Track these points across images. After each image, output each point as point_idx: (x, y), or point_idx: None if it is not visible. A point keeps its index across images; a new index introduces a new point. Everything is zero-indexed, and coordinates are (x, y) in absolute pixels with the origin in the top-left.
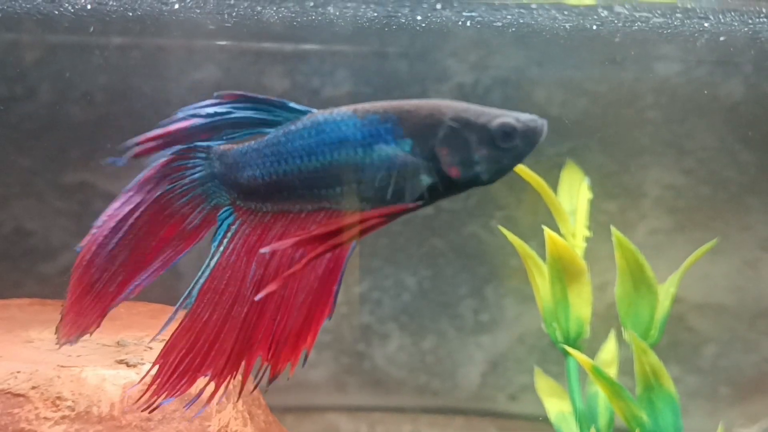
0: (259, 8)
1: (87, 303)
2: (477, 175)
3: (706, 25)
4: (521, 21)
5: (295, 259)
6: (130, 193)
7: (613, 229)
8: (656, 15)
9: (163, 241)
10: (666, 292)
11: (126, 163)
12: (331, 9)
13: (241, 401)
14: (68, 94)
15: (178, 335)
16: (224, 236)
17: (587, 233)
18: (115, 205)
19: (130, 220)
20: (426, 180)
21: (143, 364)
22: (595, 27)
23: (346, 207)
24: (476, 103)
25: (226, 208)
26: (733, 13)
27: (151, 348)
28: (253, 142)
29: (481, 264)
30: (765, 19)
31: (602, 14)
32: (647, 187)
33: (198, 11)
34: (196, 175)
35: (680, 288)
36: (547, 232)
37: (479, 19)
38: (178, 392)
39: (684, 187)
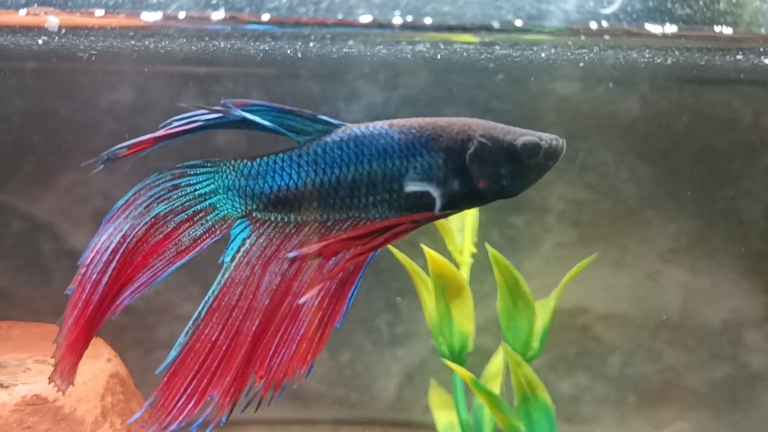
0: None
1: (78, 341)
2: (503, 188)
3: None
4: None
5: (313, 267)
6: (117, 221)
7: (488, 246)
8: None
9: (153, 255)
10: (546, 306)
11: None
12: (221, 44)
13: (119, 419)
14: None
15: (183, 359)
16: (238, 251)
17: (474, 250)
18: (102, 237)
19: (120, 250)
20: (455, 191)
21: (16, 385)
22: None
23: (376, 215)
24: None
25: (240, 221)
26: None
27: (29, 369)
28: (278, 153)
29: (395, 278)
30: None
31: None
32: (552, 202)
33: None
34: (204, 189)
35: (585, 299)
36: (426, 250)
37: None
38: (187, 417)
39: (586, 202)
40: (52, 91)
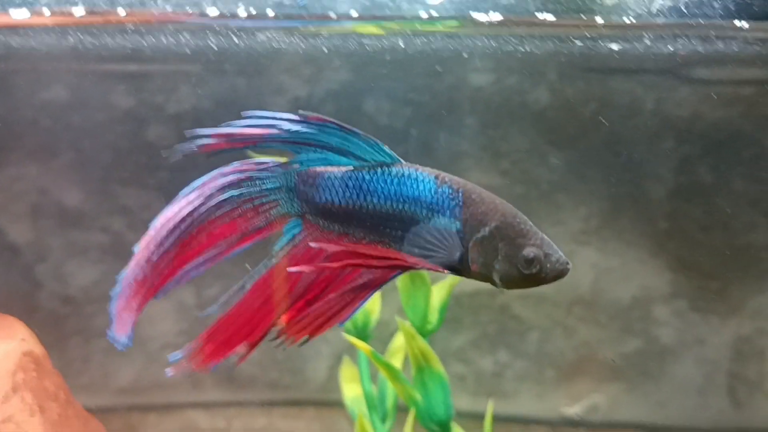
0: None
1: (136, 298)
2: (491, 279)
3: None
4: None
5: (342, 273)
6: (191, 197)
7: None
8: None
9: (220, 236)
10: (444, 284)
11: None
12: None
13: (30, 394)
14: None
15: (226, 318)
16: (288, 243)
17: None
18: (173, 207)
19: (188, 221)
20: (455, 260)
21: None
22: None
23: (399, 248)
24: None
25: (295, 219)
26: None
27: None
28: (335, 169)
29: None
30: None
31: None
32: None
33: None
34: (270, 185)
35: None
36: None
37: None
38: (221, 359)
39: (501, 187)
40: None
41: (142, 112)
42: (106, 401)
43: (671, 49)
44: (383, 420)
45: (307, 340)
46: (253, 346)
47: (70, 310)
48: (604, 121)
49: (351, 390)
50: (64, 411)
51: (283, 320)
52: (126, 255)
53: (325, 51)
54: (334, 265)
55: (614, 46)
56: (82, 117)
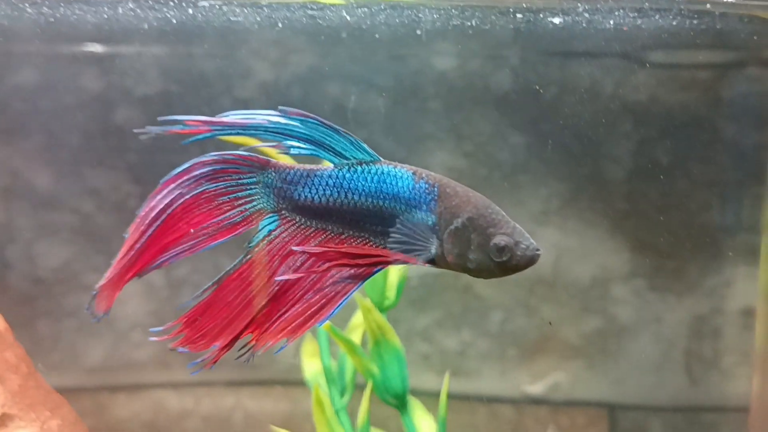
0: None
1: (119, 279)
2: (468, 269)
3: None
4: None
5: (321, 268)
6: (171, 186)
7: None
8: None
9: (197, 227)
10: None
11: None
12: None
13: None
14: None
15: (204, 305)
16: (263, 239)
17: None
18: (157, 196)
19: (167, 211)
20: (433, 253)
21: None
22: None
23: (380, 243)
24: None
25: (271, 215)
26: None
27: None
28: (314, 167)
29: None
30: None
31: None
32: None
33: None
34: (247, 180)
35: None
36: None
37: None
38: (195, 349)
39: (465, 169)
40: None
41: (111, 94)
42: (76, 381)
43: (611, 23)
44: (342, 394)
45: (285, 344)
46: (226, 347)
47: (39, 290)
48: (539, 90)
49: (313, 365)
50: (25, 382)
51: (254, 334)
52: (95, 236)
53: (293, 33)
54: (320, 269)
55: (556, 20)
56: (50, 100)
